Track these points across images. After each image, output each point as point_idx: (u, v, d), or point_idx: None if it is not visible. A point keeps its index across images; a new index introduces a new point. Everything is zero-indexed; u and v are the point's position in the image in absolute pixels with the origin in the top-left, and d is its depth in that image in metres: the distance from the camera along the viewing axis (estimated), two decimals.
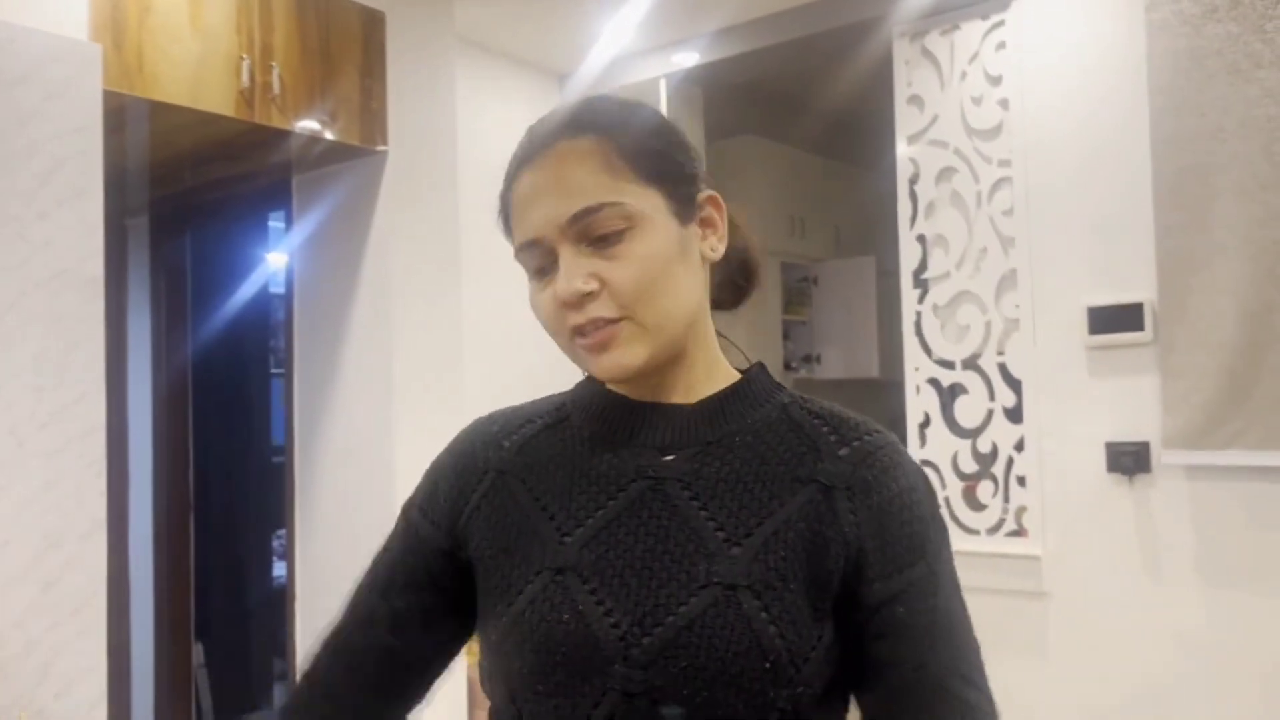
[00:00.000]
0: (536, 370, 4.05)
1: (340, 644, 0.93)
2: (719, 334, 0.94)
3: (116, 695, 2.86)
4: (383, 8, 3.19)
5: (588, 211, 0.81)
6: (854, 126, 5.18)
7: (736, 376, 0.92)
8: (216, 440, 3.96)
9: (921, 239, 3.35)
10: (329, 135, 3.00)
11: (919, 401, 3.35)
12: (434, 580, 0.90)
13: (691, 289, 0.86)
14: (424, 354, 3.29)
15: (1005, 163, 3.16)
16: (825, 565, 0.79)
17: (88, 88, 2.40)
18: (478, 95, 3.85)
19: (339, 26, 3.04)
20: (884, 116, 3.50)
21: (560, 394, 0.97)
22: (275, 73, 2.83)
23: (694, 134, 4.12)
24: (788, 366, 5.21)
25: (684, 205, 0.87)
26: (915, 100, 3.37)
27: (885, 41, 3.45)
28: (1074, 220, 3.01)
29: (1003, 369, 3.18)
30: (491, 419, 0.96)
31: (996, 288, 3.18)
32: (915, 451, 3.33)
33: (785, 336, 5.24)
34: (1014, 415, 3.15)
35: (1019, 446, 3.12)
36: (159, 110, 2.68)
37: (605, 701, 0.76)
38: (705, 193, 0.89)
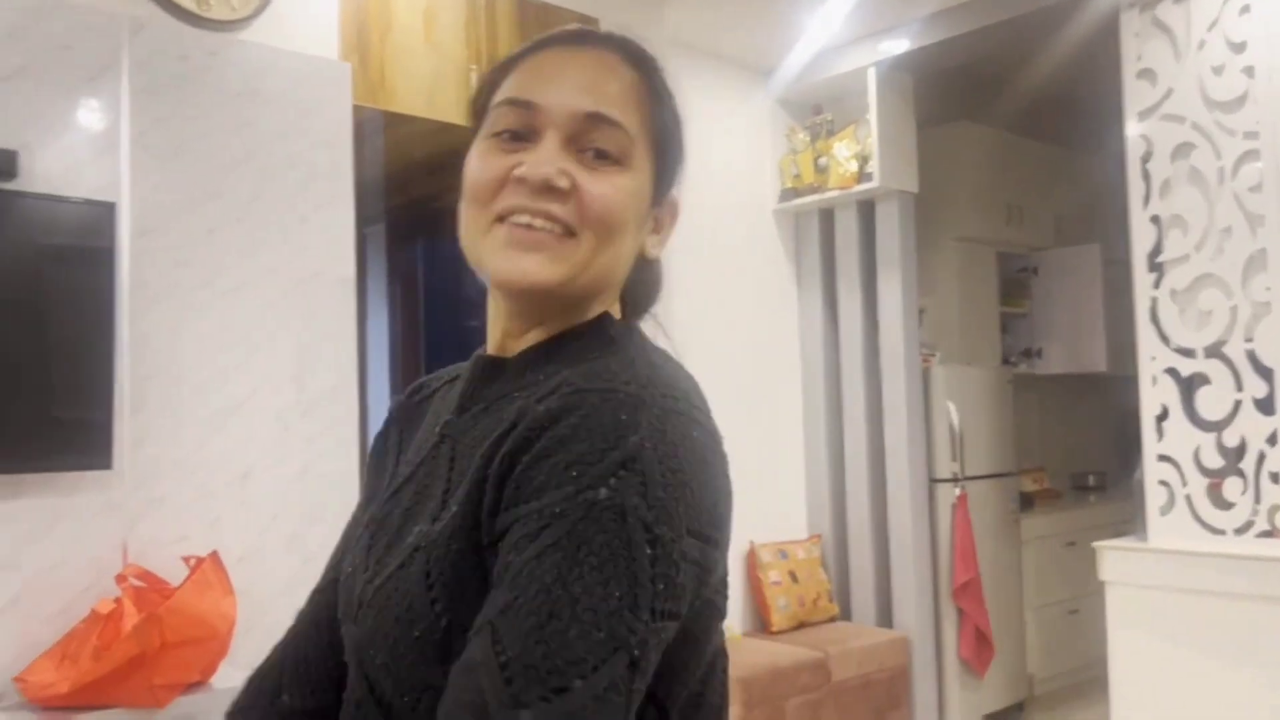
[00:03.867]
0: (744, 358, 4.10)
1: (308, 611, 0.91)
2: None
3: None
4: (597, 14, 3.32)
5: (605, 119, 0.75)
6: (1073, 108, 4.92)
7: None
8: None
9: (1156, 220, 3.16)
10: None
11: (1155, 393, 3.16)
12: None
13: (624, 262, 0.80)
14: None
15: (1252, 135, 2.94)
16: (482, 516, 0.68)
17: (339, 102, 2.63)
18: (688, 94, 3.91)
19: None
20: (1107, 95, 3.32)
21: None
22: None
23: (904, 121, 4.05)
24: (1006, 361, 5.01)
25: (659, 190, 0.82)
26: (1146, 74, 3.18)
27: (1110, 15, 3.27)
28: None
29: (1251, 356, 2.95)
30: (413, 385, 0.96)
31: (1243, 269, 2.96)
32: (1152, 445, 3.14)
33: (1003, 330, 5.04)
34: (1265, 406, 2.91)
35: (1272, 440, 2.89)
36: (397, 121, 2.90)
37: (350, 646, 0.77)
38: (675, 197, 0.85)
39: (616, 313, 0.83)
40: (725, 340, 3.99)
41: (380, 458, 0.91)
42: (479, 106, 0.82)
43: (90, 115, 2.29)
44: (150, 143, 2.36)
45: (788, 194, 4.28)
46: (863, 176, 4.02)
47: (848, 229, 4.19)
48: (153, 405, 2.32)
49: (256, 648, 2.43)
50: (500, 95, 0.79)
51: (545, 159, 0.74)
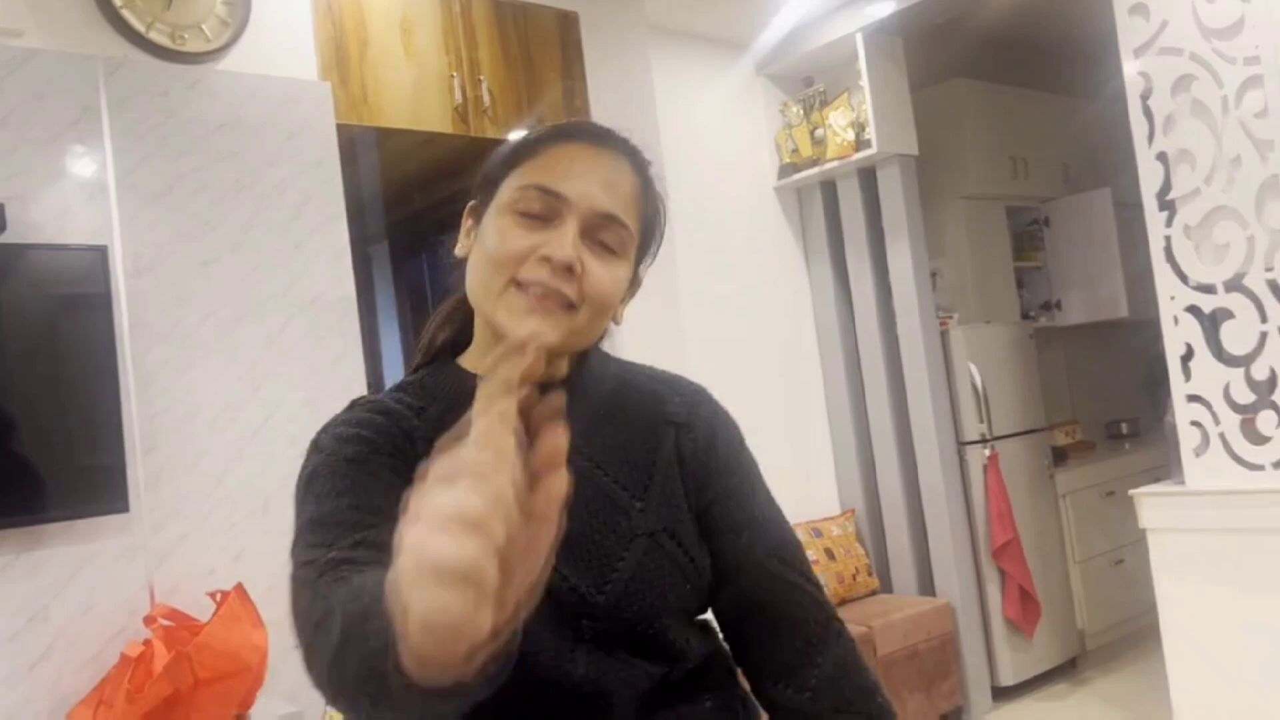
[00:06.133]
0: (759, 340, 4.06)
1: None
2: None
3: None
4: (575, 8, 3.28)
5: (619, 221, 0.92)
6: (1069, 53, 4.85)
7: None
8: None
9: (1163, 157, 3.09)
10: None
11: (1178, 333, 3.09)
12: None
13: (607, 326, 0.98)
14: (642, 346, 3.36)
15: (1252, 60, 2.86)
16: (689, 491, 0.96)
17: (323, 123, 2.61)
18: (671, 80, 3.89)
19: (537, 32, 3.16)
20: (1102, 37, 3.25)
21: (375, 399, 0.97)
22: (484, 85, 2.97)
23: (898, 84, 3.99)
24: (1025, 316, 4.93)
25: (637, 272, 1.00)
26: (1139, 9, 3.10)
27: None
28: None
29: (1273, 286, 2.87)
30: (385, 404, 0.96)
31: (1256, 198, 2.88)
32: (1180, 386, 3.08)
33: (1019, 284, 4.96)
34: None
35: None
36: (385, 136, 2.88)
37: (579, 650, 0.87)
38: (639, 279, 1.01)
39: None
40: (739, 325, 3.95)
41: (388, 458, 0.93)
42: (492, 176, 0.95)
43: (75, 160, 2.28)
44: (137, 182, 2.35)
45: (787, 169, 4.23)
46: (860, 144, 3.97)
47: (851, 198, 4.14)
48: (166, 444, 2.31)
49: (294, 676, 2.42)
50: (528, 179, 0.91)
51: (568, 244, 0.88)
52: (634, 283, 1.00)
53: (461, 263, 0.96)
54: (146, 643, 2.05)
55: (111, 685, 2.03)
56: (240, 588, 2.18)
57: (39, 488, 2.10)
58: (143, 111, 2.38)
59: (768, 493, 1.03)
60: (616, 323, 0.99)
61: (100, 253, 2.22)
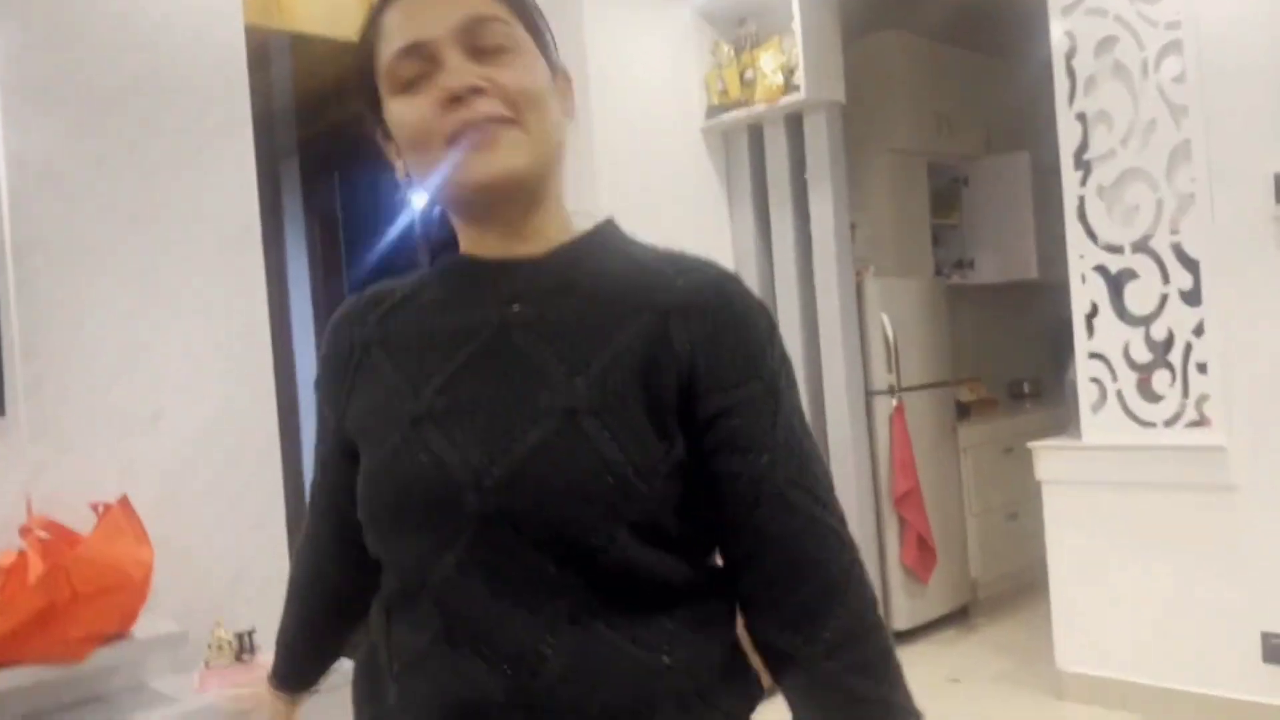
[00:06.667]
0: None
1: (321, 505, 1.03)
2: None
3: None
4: None
5: (481, 20, 0.84)
6: (999, 13, 4.87)
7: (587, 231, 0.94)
8: None
9: (1082, 117, 3.13)
10: None
11: (1085, 291, 3.16)
12: (346, 452, 0.96)
13: (559, 127, 0.89)
14: None
15: (1174, 25, 2.91)
16: (661, 384, 0.82)
17: (231, 22, 2.47)
18: (605, 8, 3.79)
19: None
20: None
21: (420, 271, 0.98)
22: None
23: (830, 31, 3.96)
24: (938, 272, 5.00)
25: (551, 62, 0.90)
26: None
27: None
28: (1257, 81, 2.75)
29: (1177, 250, 2.95)
30: (358, 297, 0.98)
31: (1167, 162, 2.95)
32: (1083, 344, 3.15)
33: (935, 241, 5.02)
34: (1191, 299, 2.93)
35: (1198, 331, 2.91)
36: (299, 43, 2.75)
37: (465, 531, 0.80)
38: (566, 72, 0.93)
39: (560, 188, 0.92)
40: None
41: (349, 377, 0.94)
42: (366, 84, 0.89)
43: None
44: (23, 71, 2.20)
45: (715, 110, 4.18)
46: (789, 89, 3.93)
47: (777, 143, 4.11)
48: (48, 349, 2.19)
49: (180, 595, 2.34)
50: (385, 55, 0.85)
51: (458, 72, 0.82)
52: (557, 71, 0.91)
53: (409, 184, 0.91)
54: (21, 554, 1.95)
55: None
56: (125, 500, 2.09)
57: None
58: None
59: (796, 408, 0.87)
60: (570, 117, 0.91)
61: None
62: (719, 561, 0.88)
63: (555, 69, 0.91)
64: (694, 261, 0.88)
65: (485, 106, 0.82)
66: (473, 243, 0.91)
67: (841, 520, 0.86)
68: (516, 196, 0.86)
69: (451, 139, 0.82)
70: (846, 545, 0.85)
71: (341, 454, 0.95)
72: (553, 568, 0.79)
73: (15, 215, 2.16)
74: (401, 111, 0.85)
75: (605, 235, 0.92)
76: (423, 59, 0.83)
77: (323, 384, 0.98)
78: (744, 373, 0.83)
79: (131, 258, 2.34)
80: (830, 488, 0.86)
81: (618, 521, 0.79)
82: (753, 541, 0.83)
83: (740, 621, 0.88)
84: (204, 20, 2.45)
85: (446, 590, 0.82)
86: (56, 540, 2.03)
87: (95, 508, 2.10)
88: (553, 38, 0.92)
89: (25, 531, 2.03)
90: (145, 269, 2.35)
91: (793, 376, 0.88)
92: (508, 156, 0.83)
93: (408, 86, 0.84)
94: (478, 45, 0.83)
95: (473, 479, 0.80)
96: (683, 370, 0.82)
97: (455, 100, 0.82)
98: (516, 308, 0.86)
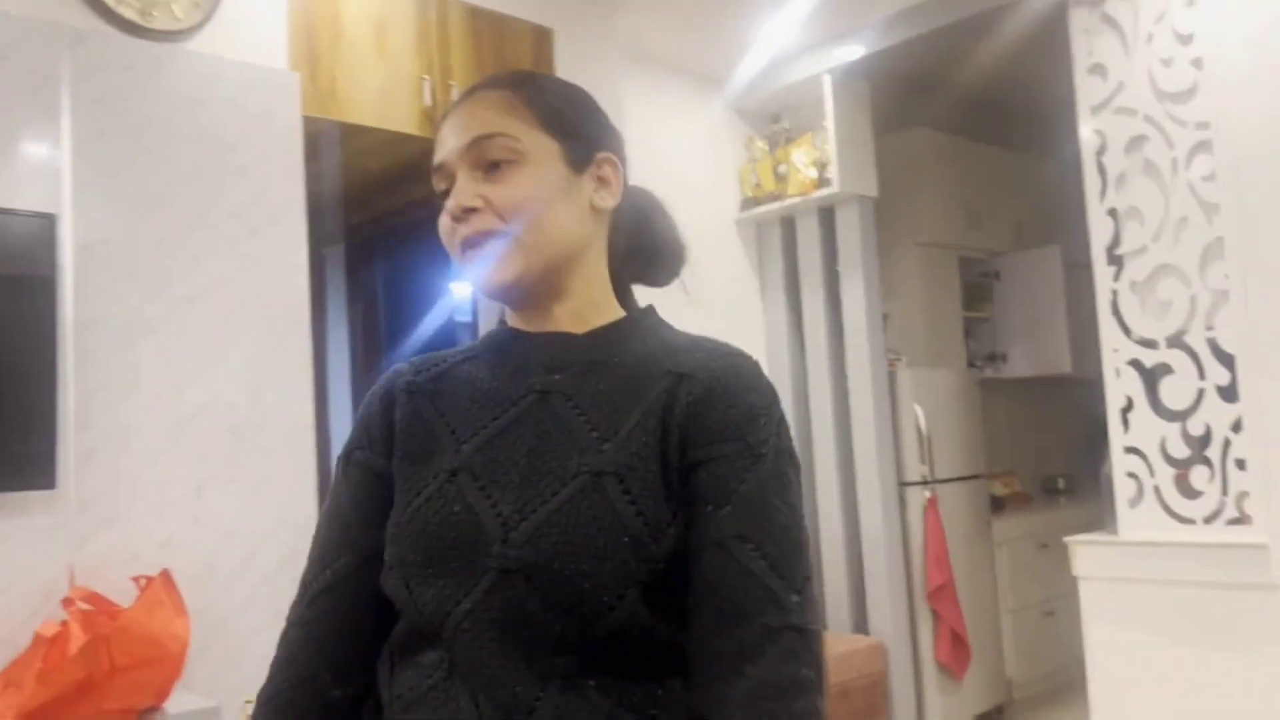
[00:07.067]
0: None
1: (328, 606, 0.96)
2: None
3: None
4: (551, 24, 3.30)
5: (482, 138, 0.93)
6: (1028, 112, 4.98)
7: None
8: None
9: (1113, 213, 3.17)
10: None
11: (1120, 385, 3.16)
12: (385, 510, 0.96)
13: (572, 225, 0.95)
14: None
15: (1203, 125, 2.96)
16: (670, 443, 0.87)
17: (289, 112, 2.59)
18: (640, 106, 3.92)
19: (511, 44, 3.17)
20: (1061, 100, 3.35)
21: (471, 343, 1.07)
22: (455, 91, 2.97)
23: (861, 127, 4.06)
24: (971, 365, 5.01)
25: (580, 156, 0.97)
26: (1097, 69, 3.20)
27: (1059, 12, 3.30)
28: None
29: (1213, 344, 2.96)
30: (409, 363, 1.04)
31: (1200, 258, 2.97)
32: (1118, 438, 3.14)
33: (967, 334, 5.05)
34: (1228, 394, 2.92)
35: (1236, 427, 2.89)
36: (350, 133, 2.86)
37: (484, 579, 0.84)
38: (606, 153, 0.99)
39: (603, 269, 1.01)
40: None
41: (396, 425, 0.98)
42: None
43: (31, 127, 2.23)
44: (94, 155, 2.30)
45: (748, 203, 4.27)
46: (822, 182, 4.02)
47: (809, 235, 4.19)
48: (100, 422, 2.25)
49: (213, 669, 2.35)
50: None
51: (459, 191, 0.93)
52: (588, 164, 0.97)
53: None
54: (63, 624, 1.97)
55: (21, 666, 1.95)
56: (166, 573, 2.12)
57: None
58: (105, 85, 2.34)
59: (784, 482, 0.87)
60: (596, 207, 0.97)
61: (49, 221, 2.17)
62: None
63: (589, 159, 0.97)
64: (719, 344, 0.95)
65: (479, 223, 0.92)
66: (516, 319, 1.00)
67: (792, 590, 0.83)
68: (530, 295, 0.96)
69: (461, 250, 0.94)
70: (786, 610, 0.82)
71: (379, 505, 0.95)
72: (558, 625, 0.82)
73: (78, 294, 2.24)
74: (439, 220, 0.97)
75: (643, 320, 1.00)
76: (446, 176, 0.96)
77: (367, 438, 0.99)
78: (728, 432, 0.87)
79: (183, 335, 2.41)
80: (796, 562, 0.84)
81: (629, 580, 0.82)
82: (696, 590, 0.84)
83: None
84: (265, 109, 2.56)
85: (457, 636, 0.85)
86: (98, 612, 2.05)
87: (137, 581, 2.12)
88: (594, 129, 1.00)
89: (68, 602, 2.05)
90: (196, 346, 2.42)
91: (790, 458, 0.89)
92: (500, 268, 0.92)
93: (443, 197, 0.97)
94: (484, 160, 0.93)
95: (500, 532, 0.85)
96: (682, 427, 0.88)
97: (457, 218, 0.93)
98: (557, 377, 0.94)
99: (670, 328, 1.01)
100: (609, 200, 0.99)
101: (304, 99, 2.64)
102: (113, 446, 2.26)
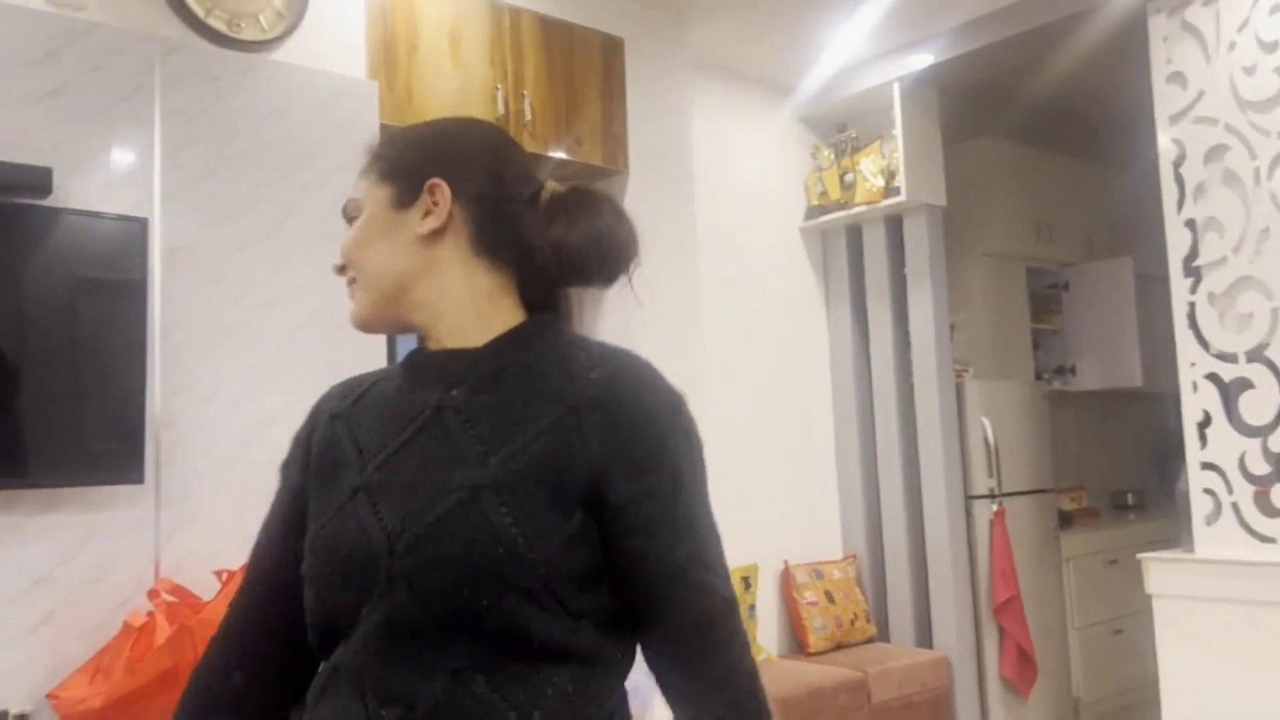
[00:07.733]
0: (775, 378, 4.07)
1: (245, 601, 1.07)
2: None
3: None
4: (621, 34, 3.33)
5: (348, 202, 1.06)
6: (1101, 121, 4.90)
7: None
8: None
9: (1191, 224, 3.11)
10: (576, 158, 3.16)
11: (1197, 400, 3.09)
12: (304, 520, 1.04)
13: (392, 259, 1.02)
14: (666, 371, 3.36)
15: None
16: (569, 468, 0.92)
17: (367, 120, 2.64)
18: (709, 114, 3.93)
19: (582, 54, 3.20)
20: (1135, 105, 3.30)
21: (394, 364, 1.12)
22: (527, 100, 3.01)
23: (930, 136, 4.04)
24: (1039, 377, 4.93)
25: (406, 192, 1.02)
26: (1177, 78, 3.15)
27: (1137, 20, 3.25)
28: None
29: None
30: (340, 385, 1.11)
31: None
32: (1195, 453, 3.07)
33: (1035, 346, 4.97)
34: None
35: None
36: None
37: (376, 589, 0.91)
38: (435, 180, 1.02)
39: (472, 283, 1.03)
40: (756, 360, 3.96)
41: (314, 448, 1.05)
42: None
43: (124, 135, 2.31)
44: (182, 161, 2.38)
45: (814, 211, 4.26)
46: (890, 191, 4.00)
47: (876, 244, 4.17)
48: (184, 421, 2.32)
49: None
50: None
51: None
52: (416, 204, 1.01)
53: None
54: (149, 615, 2.04)
55: (110, 654, 2.01)
56: (245, 568, 2.17)
57: (56, 452, 2.10)
58: (194, 94, 2.41)
59: (698, 485, 0.97)
60: (418, 233, 1.01)
61: (141, 225, 2.24)
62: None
63: (417, 193, 1.02)
64: (610, 354, 0.99)
65: (340, 274, 1.06)
66: (421, 340, 1.06)
67: (728, 585, 0.97)
68: (391, 325, 1.05)
69: None
70: (734, 608, 0.97)
71: (292, 521, 1.04)
72: (440, 627, 0.89)
73: (165, 297, 2.31)
74: None
75: (533, 329, 1.03)
76: None
77: (295, 453, 1.08)
78: (649, 463, 0.94)
79: (262, 340, 2.47)
80: (722, 559, 0.97)
81: (505, 585, 0.88)
82: (654, 609, 0.94)
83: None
84: (345, 118, 2.62)
85: (361, 644, 0.92)
86: (181, 604, 2.11)
87: (219, 575, 2.18)
88: (427, 157, 1.04)
89: (153, 594, 2.12)
90: (274, 351, 2.48)
91: (697, 453, 0.98)
92: (353, 308, 1.05)
93: None
94: (349, 221, 1.06)
95: (386, 546, 0.91)
96: (593, 460, 0.92)
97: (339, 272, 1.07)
98: (455, 392, 0.99)
99: (564, 335, 1.03)
100: (430, 224, 1.01)
101: (381, 106, 2.70)
102: (194, 445, 2.33)
